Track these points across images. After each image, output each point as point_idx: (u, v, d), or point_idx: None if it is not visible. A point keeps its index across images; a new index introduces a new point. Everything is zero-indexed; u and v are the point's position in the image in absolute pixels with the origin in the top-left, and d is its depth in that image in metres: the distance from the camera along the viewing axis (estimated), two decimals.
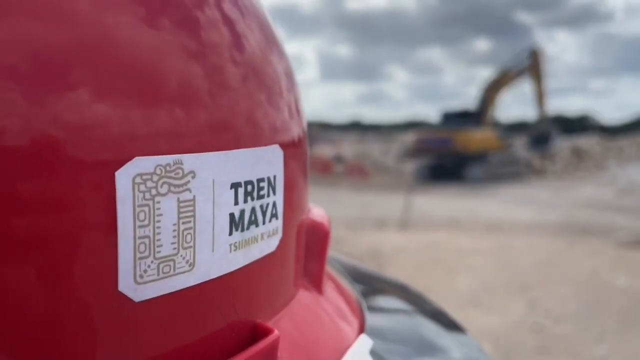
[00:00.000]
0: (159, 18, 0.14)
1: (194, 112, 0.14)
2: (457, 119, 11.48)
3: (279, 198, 0.18)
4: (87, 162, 0.12)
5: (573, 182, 11.35)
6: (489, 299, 2.89)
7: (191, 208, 0.14)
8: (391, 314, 0.27)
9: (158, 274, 0.14)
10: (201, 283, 0.15)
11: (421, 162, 11.48)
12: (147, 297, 0.14)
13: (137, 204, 0.13)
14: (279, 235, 0.18)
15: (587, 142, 15.98)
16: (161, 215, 0.14)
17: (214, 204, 0.15)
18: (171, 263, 0.14)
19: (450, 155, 10.96)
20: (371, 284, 0.30)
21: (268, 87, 0.18)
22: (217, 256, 0.15)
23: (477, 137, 10.75)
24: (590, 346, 2.62)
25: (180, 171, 0.14)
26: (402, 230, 5.72)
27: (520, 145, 13.44)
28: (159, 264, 0.14)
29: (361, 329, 0.23)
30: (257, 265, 0.17)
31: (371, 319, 0.25)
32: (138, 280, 0.13)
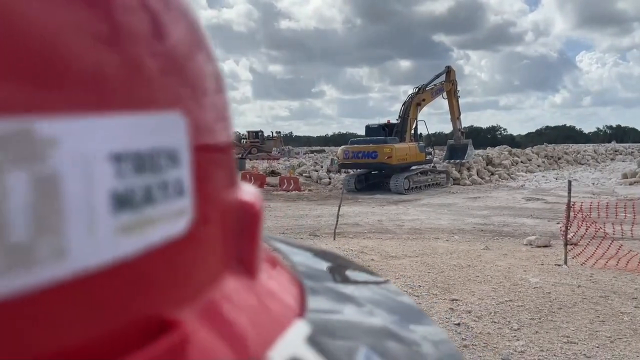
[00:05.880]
0: None
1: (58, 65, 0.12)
2: (379, 131, 11.87)
3: (184, 172, 0.15)
4: None
5: (487, 189, 12.02)
6: (415, 300, 3.08)
7: (54, 185, 0.12)
8: (366, 285, 0.28)
9: (8, 266, 0.11)
10: (76, 274, 0.12)
11: (350, 173, 11.66)
12: None
13: None
14: (188, 215, 0.16)
15: (499, 152, 16.99)
16: (6, 193, 0.11)
17: (89, 179, 0.12)
18: (27, 251, 0.11)
19: (375, 166, 11.26)
20: (335, 261, 0.30)
21: (190, 82, 0.16)
22: (96, 241, 0.13)
23: (400, 150, 11.13)
24: (509, 341, 2.80)
25: (32, 141, 0.11)
26: (334, 238, 5.90)
27: (440, 157, 14.07)
28: (7, 252, 0.11)
29: (301, 314, 0.21)
30: (160, 250, 0.15)
31: (351, 291, 0.25)
32: None
